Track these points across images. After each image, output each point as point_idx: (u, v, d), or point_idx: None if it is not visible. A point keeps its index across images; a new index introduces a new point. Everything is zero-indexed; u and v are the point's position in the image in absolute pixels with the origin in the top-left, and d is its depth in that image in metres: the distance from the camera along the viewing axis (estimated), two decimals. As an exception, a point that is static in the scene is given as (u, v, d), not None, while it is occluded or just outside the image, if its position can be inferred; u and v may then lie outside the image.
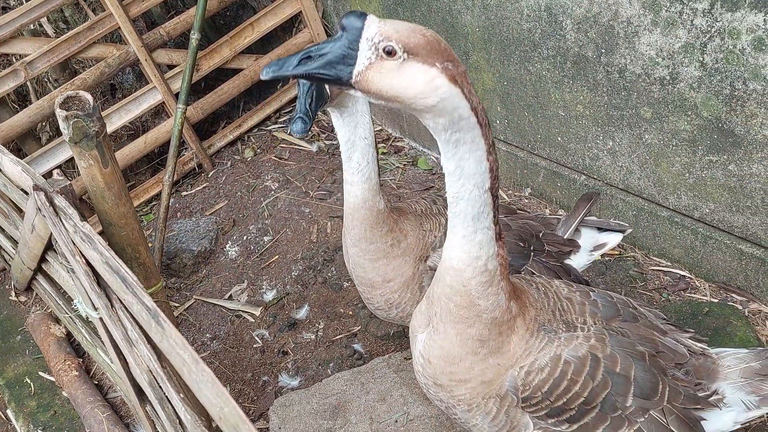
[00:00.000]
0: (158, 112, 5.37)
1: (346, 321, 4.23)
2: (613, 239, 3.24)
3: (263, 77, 1.69)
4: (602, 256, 3.72)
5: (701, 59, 3.34)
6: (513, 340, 2.31)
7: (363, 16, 1.71)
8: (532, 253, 2.94)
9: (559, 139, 4.33)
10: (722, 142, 3.46)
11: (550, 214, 4.55)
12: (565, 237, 3.12)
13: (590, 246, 3.18)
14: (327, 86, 2.40)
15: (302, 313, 4.35)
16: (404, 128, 5.69)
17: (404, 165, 5.39)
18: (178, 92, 5.09)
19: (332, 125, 5.65)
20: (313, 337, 4.20)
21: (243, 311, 4.47)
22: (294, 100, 5.97)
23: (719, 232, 3.75)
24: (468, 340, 2.30)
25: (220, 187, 5.41)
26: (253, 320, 4.39)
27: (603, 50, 3.75)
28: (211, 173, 5.52)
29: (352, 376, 3.58)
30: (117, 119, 5.00)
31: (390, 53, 1.68)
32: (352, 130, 2.60)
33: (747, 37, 3.12)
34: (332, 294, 4.42)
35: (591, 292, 2.51)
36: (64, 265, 2.69)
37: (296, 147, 5.70)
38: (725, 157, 3.49)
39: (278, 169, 5.47)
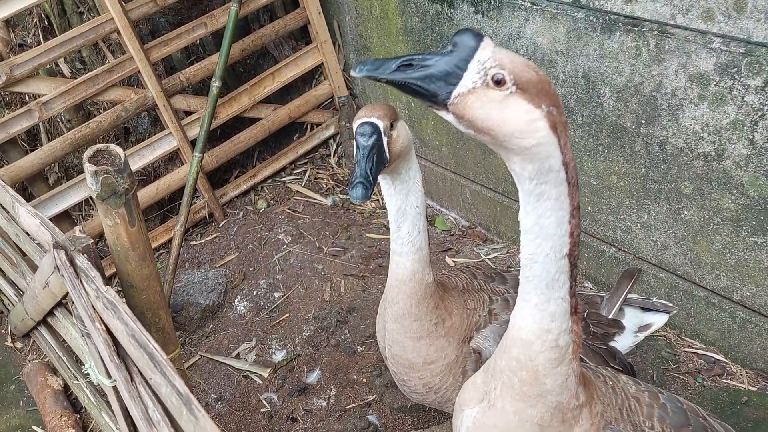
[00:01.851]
0: (172, 158, 5.22)
1: (359, 389, 4.00)
2: (658, 320, 3.06)
3: (355, 74, 1.59)
4: (637, 335, 3.53)
5: (751, 137, 3.21)
6: None
7: (479, 36, 1.61)
8: (577, 335, 2.76)
9: (590, 208, 4.19)
10: (769, 224, 3.31)
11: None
12: (609, 317, 2.94)
13: (635, 327, 3.00)
14: (388, 145, 2.28)
15: (313, 378, 4.12)
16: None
17: (422, 225, 5.22)
18: (194, 139, 4.96)
19: (347, 179, 5.51)
20: (324, 404, 3.96)
21: (251, 371, 4.24)
22: (311, 152, 5.84)
23: (760, 317, 3.57)
24: (526, 422, 2.09)
25: (231, 238, 5.23)
26: (261, 382, 4.16)
27: (643, 121, 3.63)
28: (222, 223, 5.34)
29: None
30: (131, 164, 4.81)
31: (499, 83, 1.57)
32: (404, 199, 2.45)
33: (802, 117, 3.00)
34: (345, 358, 4.20)
35: (660, 394, 2.32)
36: (77, 327, 2.49)
37: (310, 200, 5.54)
38: (771, 239, 3.34)
39: (291, 222, 5.30)
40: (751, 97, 3.15)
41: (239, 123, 5.44)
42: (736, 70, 3.15)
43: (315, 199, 5.54)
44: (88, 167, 2.09)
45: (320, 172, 5.81)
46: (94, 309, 2.13)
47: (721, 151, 3.36)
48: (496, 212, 4.87)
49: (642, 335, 3.02)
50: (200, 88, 5.34)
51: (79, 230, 2.25)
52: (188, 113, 5.08)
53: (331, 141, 5.89)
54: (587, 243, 4.31)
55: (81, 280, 2.16)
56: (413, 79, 1.59)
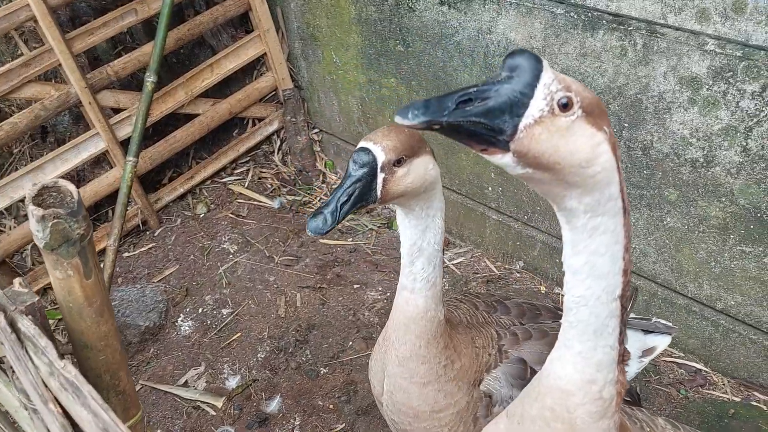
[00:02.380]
0: (98, 161, 4.68)
1: (326, 417, 3.68)
2: (661, 343, 2.87)
3: (406, 122, 1.24)
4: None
5: (744, 144, 3.05)
6: None
7: (537, 57, 1.34)
8: (587, 370, 2.52)
9: (563, 213, 3.97)
10: (759, 233, 3.17)
11: (545, 291, 4.19)
12: (613, 345, 2.72)
13: (639, 352, 2.80)
14: (384, 183, 1.93)
15: (273, 406, 3.77)
16: (375, 186, 5.22)
17: (378, 227, 4.91)
18: (125, 140, 4.46)
19: (294, 178, 5.13)
20: (288, 436, 3.62)
21: (202, 401, 3.84)
22: (253, 149, 5.41)
23: (744, 326, 3.46)
24: None
25: (168, 248, 4.76)
26: (214, 413, 3.77)
27: (626, 124, 3.43)
28: (157, 232, 4.86)
29: (353, 500, 3.03)
30: (51, 169, 4.29)
31: (566, 107, 1.34)
32: (420, 235, 2.12)
33: (803, 125, 2.85)
34: (307, 382, 3.86)
35: None
36: (14, 392, 2.06)
37: (255, 203, 5.12)
38: (761, 248, 3.20)
39: (236, 229, 4.88)
40: (747, 102, 2.97)
41: (173, 120, 4.95)
42: (732, 74, 2.97)
43: (260, 201, 5.13)
44: (33, 210, 1.66)
45: (264, 171, 5.39)
46: (45, 386, 1.73)
47: (710, 157, 3.19)
48: (458, 215, 4.60)
49: (647, 360, 2.82)
50: (128, 83, 4.81)
51: (20, 283, 1.83)
52: (117, 110, 4.55)
53: (275, 137, 5.48)
54: (558, 248, 4.10)
55: (27, 351, 1.75)
56: (475, 116, 1.30)
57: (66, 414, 1.71)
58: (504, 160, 1.37)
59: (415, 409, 2.34)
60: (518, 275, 4.36)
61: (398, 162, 1.92)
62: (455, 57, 4.03)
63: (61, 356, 1.69)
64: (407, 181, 1.95)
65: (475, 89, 1.33)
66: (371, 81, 4.73)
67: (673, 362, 3.75)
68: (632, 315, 3.02)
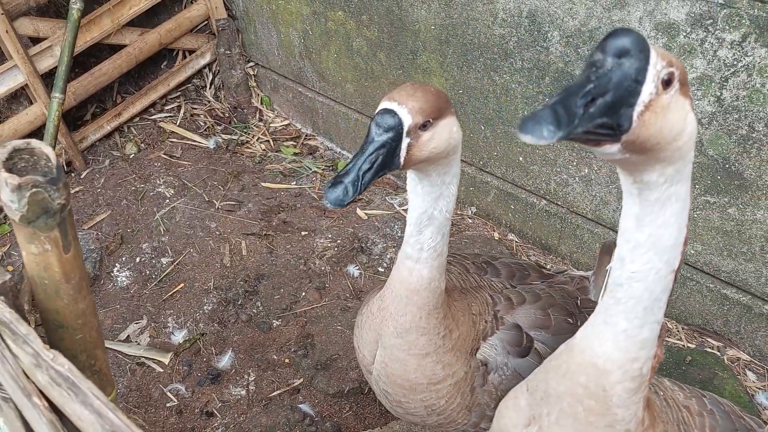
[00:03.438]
0: (16, 96, 4.20)
1: (283, 372, 3.53)
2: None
3: (542, 141, 1.10)
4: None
5: (718, 94, 3.02)
6: None
7: (642, 37, 1.21)
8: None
9: (521, 159, 3.90)
10: (726, 184, 3.19)
11: (498, 237, 4.15)
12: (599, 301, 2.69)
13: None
14: (409, 148, 1.72)
15: (225, 361, 3.58)
16: (318, 124, 4.98)
17: (323, 170, 4.70)
18: (46, 73, 4.01)
19: (228, 116, 4.81)
20: (243, 392, 3.46)
21: (147, 358, 3.61)
22: (184, 83, 5.01)
23: (702, 274, 3.52)
24: None
25: (98, 192, 4.39)
26: (161, 370, 3.56)
27: (595, 70, 3.33)
28: (84, 174, 4.47)
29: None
30: (-39, 105, 3.82)
31: (668, 83, 1.25)
32: (432, 203, 1.94)
33: (780, 77, 2.83)
34: (260, 336, 3.69)
35: (704, 398, 2.11)
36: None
37: (189, 142, 4.78)
38: (726, 199, 3.23)
39: (171, 171, 4.55)
40: (725, 51, 2.93)
41: (97, 51, 4.49)
42: (712, 21, 2.90)
43: (194, 140, 4.79)
44: (7, 179, 1.38)
45: (196, 107, 5.03)
46: (27, 377, 1.49)
47: (682, 107, 3.16)
48: (409, 158, 4.45)
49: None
50: (46, 8, 4.30)
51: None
52: (36, 40, 4.07)
53: (207, 71, 5.09)
54: (516, 195, 4.05)
55: (4, 339, 1.49)
56: (600, 115, 1.18)
57: (53, 406, 1.49)
58: (611, 150, 1.26)
59: (412, 381, 2.22)
60: (470, 221, 4.29)
61: (424, 126, 1.72)
62: (413, -9, 3.80)
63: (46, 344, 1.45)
64: (431, 146, 1.75)
65: (592, 85, 1.19)
66: (316, 13, 4.42)
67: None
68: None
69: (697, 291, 3.58)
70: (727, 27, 2.87)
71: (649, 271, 1.50)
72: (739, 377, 3.41)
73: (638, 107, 1.22)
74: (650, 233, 1.46)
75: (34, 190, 1.42)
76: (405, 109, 1.69)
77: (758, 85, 2.90)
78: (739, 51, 2.89)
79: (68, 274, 1.62)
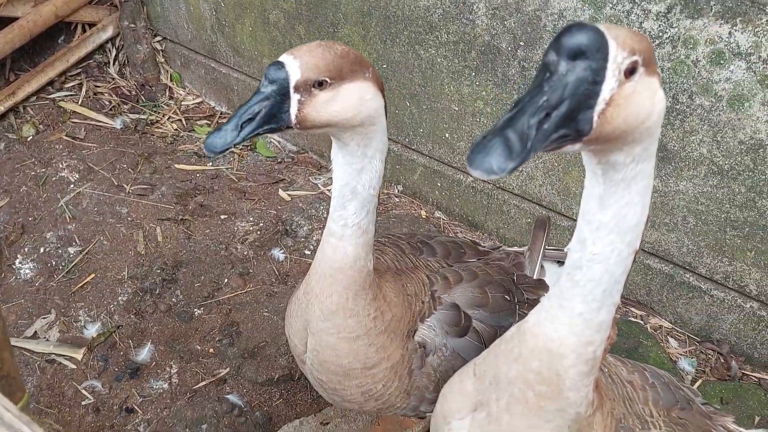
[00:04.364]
0: None
1: (207, 362, 3.35)
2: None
3: (492, 176, 1.06)
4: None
5: (643, 67, 3.04)
6: None
7: (596, 28, 1.15)
8: (516, 306, 2.43)
9: (447, 135, 3.83)
10: (650, 156, 3.23)
11: (425, 215, 4.09)
12: (534, 277, 2.65)
13: (554, 284, 2.76)
14: (300, 105, 1.63)
15: (144, 354, 3.37)
16: (233, 102, 4.76)
17: (241, 150, 4.49)
18: (-72, 47, 3.63)
19: (136, 94, 4.54)
20: (166, 386, 3.26)
21: (57, 354, 3.35)
22: (84, 59, 4.67)
23: (626, 245, 3.58)
24: None
25: (-7, 177, 4.03)
26: (74, 367, 3.31)
27: (522, 42, 3.30)
28: (-24, 158, 4.10)
29: (259, 455, 2.79)
30: None
31: (632, 71, 1.20)
32: (355, 175, 1.84)
33: (705, 48, 2.86)
34: (181, 326, 3.49)
35: (645, 371, 2.11)
36: None
37: (93, 123, 4.47)
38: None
39: (74, 154, 4.23)
40: (651, 23, 2.94)
41: (-15, 23, 4.11)
42: (638, -7, 2.91)
43: (99, 121, 4.48)
44: None
45: (99, 85, 4.70)
46: None
47: (607, 79, 3.16)
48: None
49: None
50: (-75, -25, 3.88)
51: None
52: None
53: (110, 45, 4.76)
54: (442, 172, 3.98)
55: None
56: (557, 129, 1.13)
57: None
58: (574, 149, 1.22)
59: (345, 367, 2.11)
60: (397, 200, 4.20)
61: (320, 84, 1.62)
62: (333, -39, 3.65)
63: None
64: (333, 108, 1.65)
65: (545, 98, 1.12)
66: (228, -16, 4.20)
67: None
68: (546, 246, 2.96)
69: (622, 263, 3.62)
70: (653, -1, 2.87)
71: (611, 252, 1.46)
72: (662, 344, 3.50)
73: (598, 107, 1.16)
74: (614, 213, 1.41)
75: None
76: (297, 63, 1.60)
77: (683, 57, 2.93)
78: (664, 22, 2.90)
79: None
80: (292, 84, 1.61)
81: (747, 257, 3.22)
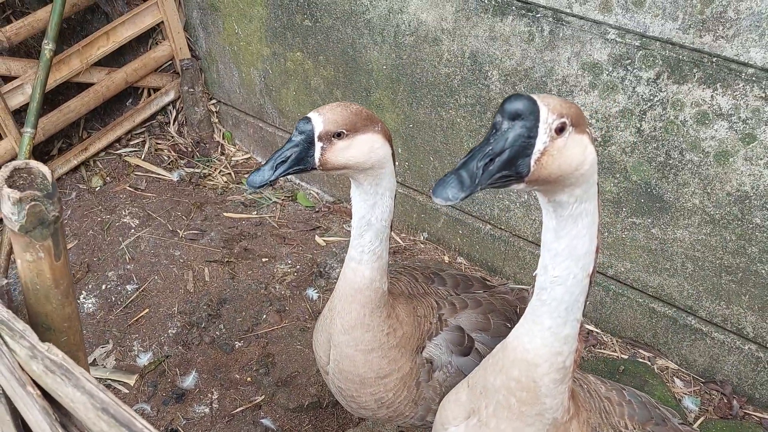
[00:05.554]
0: (-15, 131, 4.38)
1: (245, 389, 3.72)
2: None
3: (449, 202, 1.47)
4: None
5: (638, 126, 3.38)
6: None
7: (531, 98, 1.53)
8: (513, 334, 2.75)
9: (468, 187, 4.20)
10: (649, 206, 3.53)
11: (448, 260, 4.42)
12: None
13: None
14: (323, 152, 2.06)
15: (189, 381, 3.76)
16: (277, 159, 5.23)
17: (283, 200, 4.94)
18: (17, 110, 4.20)
19: (191, 150, 5.04)
20: (207, 410, 3.64)
21: (113, 380, 3.76)
22: (148, 119, 5.24)
23: (632, 290, 3.85)
24: None
25: (64, 223, 4.55)
26: (127, 391, 3.71)
27: (531, 105, 3.67)
28: (51, 206, 4.62)
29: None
30: (-67, 139, 3.98)
31: (561, 130, 1.55)
32: (369, 209, 2.25)
33: (690, 110, 3.19)
34: (223, 356, 3.88)
35: (623, 390, 2.39)
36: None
37: (153, 176, 4.99)
38: (650, 220, 3.57)
39: (136, 203, 4.74)
40: (643, 88, 3.29)
41: (64, 88, 4.70)
42: (630, 61, 3.27)
43: (158, 174, 5.00)
44: (10, 193, 1.60)
45: (160, 142, 5.25)
46: (22, 369, 1.68)
47: (608, 137, 3.50)
48: (364, 189, 4.73)
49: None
50: (18, 49, 4.51)
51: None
52: (7, 79, 4.27)
53: (171, 107, 5.33)
54: (463, 221, 4.34)
55: (2, 336, 1.68)
56: (499, 171, 1.50)
57: (45, 395, 1.68)
58: (519, 187, 1.58)
59: (362, 376, 2.47)
60: (423, 246, 4.56)
61: (338, 135, 2.03)
62: (365, 34, 4.12)
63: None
64: (348, 154, 2.06)
65: (491, 147, 1.51)
66: (276, 54, 4.72)
67: (567, 324, 4.10)
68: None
69: (628, 306, 3.89)
70: (644, 66, 3.23)
71: (568, 275, 1.77)
72: (667, 384, 3.72)
73: (535, 155, 1.52)
74: (566, 244, 1.73)
75: (32, 203, 1.64)
76: (320, 118, 2.02)
77: (672, 117, 3.26)
78: (654, 87, 3.25)
79: (58, 280, 1.83)
80: (316, 135, 2.02)
81: (742, 301, 3.46)
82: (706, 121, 3.17)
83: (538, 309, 1.86)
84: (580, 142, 1.59)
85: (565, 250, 1.73)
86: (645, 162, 3.44)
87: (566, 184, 1.61)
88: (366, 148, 2.10)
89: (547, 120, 1.53)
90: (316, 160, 2.03)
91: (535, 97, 1.55)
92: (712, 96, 3.11)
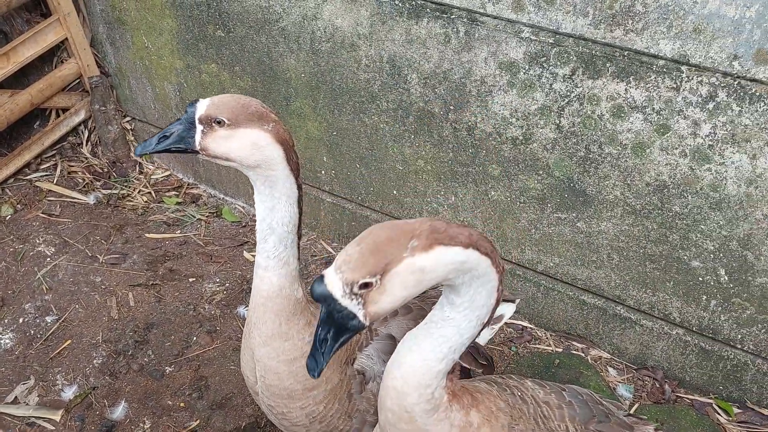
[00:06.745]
0: None
1: (178, 416, 3.58)
2: (508, 310, 3.17)
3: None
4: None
5: (557, 122, 3.41)
6: None
7: (320, 280, 1.62)
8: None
9: (395, 192, 4.17)
10: (572, 201, 3.58)
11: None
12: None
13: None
14: (203, 134, 2.09)
15: (119, 412, 3.59)
16: (199, 173, 5.09)
17: (207, 216, 4.80)
18: None
19: (107, 171, 4.86)
20: (139, 441, 3.48)
21: (36, 417, 3.56)
22: (60, 141, 5.01)
23: (562, 284, 3.89)
24: None
25: (-26, 256, 4.30)
26: (53, 428, 3.52)
27: (452, 107, 3.67)
28: (-43, 239, 4.37)
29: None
30: None
31: (367, 285, 1.62)
32: (268, 212, 2.21)
33: (606, 104, 3.25)
34: (153, 383, 3.72)
35: (563, 392, 2.38)
36: None
37: (68, 200, 4.77)
38: (574, 214, 3.62)
39: (50, 229, 4.52)
40: (559, 84, 3.33)
41: (-36, 113, 4.44)
42: (545, 59, 3.30)
43: (73, 197, 4.79)
44: None
45: (73, 164, 5.02)
46: None
47: (528, 135, 3.53)
48: (290, 200, 4.64)
49: (496, 327, 3.11)
50: None
51: None
52: None
53: (82, 127, 5.11)
54: (393, 226, 4.30)
55: None
56: (322, 342, 1.66)
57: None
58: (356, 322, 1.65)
59: (288, 389, 2.39)
60: (354, 254, 4.49)
61: (219, 122, 2.04)
62: (280, 42, 4.04)
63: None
64: (228, 146, 2.07)
65: (320, 330, 1.64)
66: (190, 66, 4.58)
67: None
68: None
69: (559, 300, 3.93)
70: (559, 63, 3.27)
71: (463, 319, 1.80)
72: (601, 374, 3.78)
73: (359, 313, 1.61)
74: (468, 298, 1.76)
75: None
76: (206, 103, 2.06)
77: (589, 112, 3.31)
78: (570, 83, 3.29)
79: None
80: (197, 116, 2.06)
81: (667, 287, 3.54)
82: (622, 114, 3.23)
83: (421, 338, 1.87)
84: (409, 268, 1.59)
85: (465, 303, 1.76)
86: (566, 158, 3.48)
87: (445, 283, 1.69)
88: (247, 143, 2.08)
89: (344, 290, 1.57)
90: (197, 143, 2.09)
91: (327, 274, 1.60)
92: (626, 89, 3.16)
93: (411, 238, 1.58)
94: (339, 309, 1.58)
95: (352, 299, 1.57)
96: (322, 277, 1.60)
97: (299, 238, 2.30)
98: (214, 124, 2.04)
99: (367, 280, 1.56)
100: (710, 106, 3.02)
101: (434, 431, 1.95)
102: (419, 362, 1.85)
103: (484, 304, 1.76)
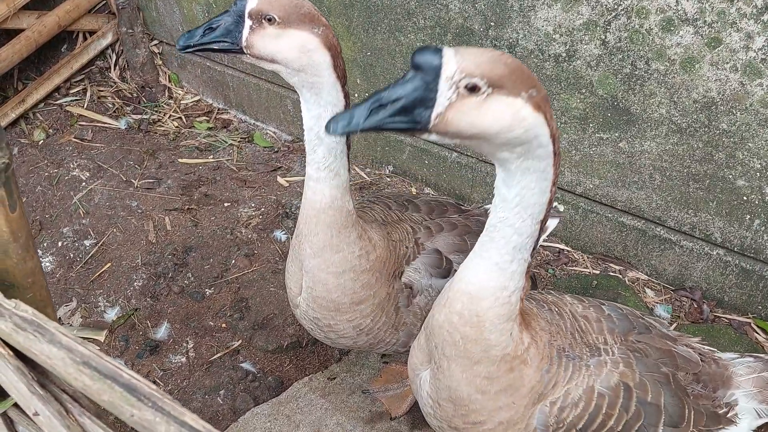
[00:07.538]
0: None
1: (221, 336, 3.63)
2: (551, 224, 3.15)
3: (333, 133, 1.49)
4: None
5: (603, 37, 3.30)
6: (527, 374, 2.09)
7: (438, 52, 1.50)
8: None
9: (430, 114, 4.10)
10: (616, 120, 3.49)
11: (416, 192, 4.36)
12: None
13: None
14: (252, 33, 2.01)
15: (162, 333, 3.65)
16: (230, 98, 5.03)
17: (239, 142, 4.77)
18: (-56, 62, 3.91)
19: (137, 96, 4.82)
20: (184, 359, 3.54)
21: (82, 338, 3.61)
22: (87, 66, 4.95)
23: (601, 206, 3.84)
24: (475, 378, 2.06)
25: (10, 180, 4.31)
26: (98, 348, 3.57)
27: (492, 23, 3.56)
28: (-7, 163, 4.37)
29: (273, 408, 3.07)
30: None
31: (473, 89, 1.50)
32: (315, 121, 2.16)
33: (656, 17, 3.13)
34: (194, 305, 3.77)
35: (602, 305, 2.37)
36: None
37: (99, 125, 4.75)
38: (617, 134, 3.54)
39: (84, 154, 4.51)
40: (606, -2, 3.20)
41: (-8, 36, 4.40)
42: (593, -30, 3.17)
43: (104, 122, 4.76)
44: (-48, 140, 1.45)
45: (102, 89, 4.98)
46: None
47: (572, 52, 3.43)
48: (322, 123, 4.58)
49: (542, 237, 3.10)
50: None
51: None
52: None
53: (110, 51, 5.04)
54: (427, 150, 4.26)
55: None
56: (391, 118, 1.50)
57: (19, 356, 1.57)
58: (431, 137, 1.56)
59: (336, 302, 2.40)
60: (389, 179, 4.47)
61: (270, 20, 1.96)
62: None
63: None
64: (276, 46, 1.99)
65: (385, 93, 1.51)
66: (218, -14, 4.47)
67: (540, 245, 4.09)
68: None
69: (597, 222, 3.89)
70: (607, -26, 3.14)
71: (516, 220, 1.78)
72: (639, 295, 3.77)
73: (437, 109, 1.48)
74: (516, 193, 1.73)
75: (-22, 149, 1.49)
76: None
77: (637, 26, 3.19)
78: (618, -4, 3.17)
79: (15, 233, 1.69)
80: (247, 10, 1.96)
81: (710, 208, 3.49)
82: (672, 28, 3.11)
83: (486, 244, 1.88)
84: (508, 104, 1.53)
85: (515, 198, 1.75)
86: (611, 75, 3.38)
87: (495, 143, 1.59)
88: (296, 44, 2.00)
89: (453, 77, 1.48)
90: (243, 39, 1.99)
91: (446, 51, 1.50)
92: (677, 1, 3.04)
93: (533, 87, 1.56)
94: (429, 88, 1.48)
95: (449, 89, 1.49)
96: (439, 48, 1.50)
97: (348, 148, 2.26)
98: (264, 21, 1.95)
99: (482, 84, 1.49)
100: (765, 17, 2.90)
101: (492, 340, 1.96)
102: (492, 266, 1.87)
103: (536, 202, 1.74)
